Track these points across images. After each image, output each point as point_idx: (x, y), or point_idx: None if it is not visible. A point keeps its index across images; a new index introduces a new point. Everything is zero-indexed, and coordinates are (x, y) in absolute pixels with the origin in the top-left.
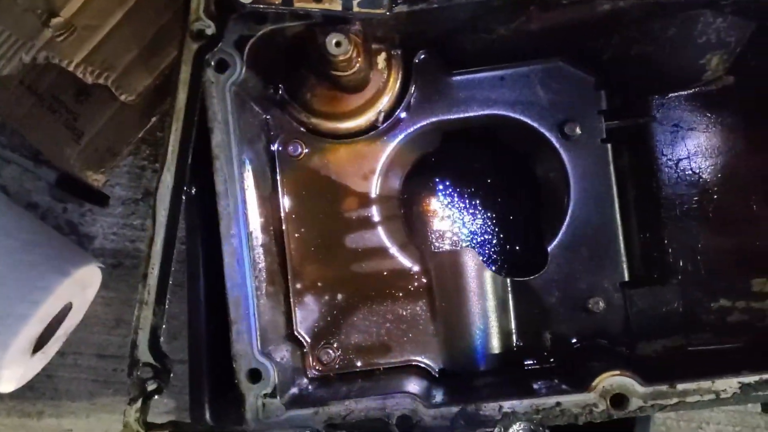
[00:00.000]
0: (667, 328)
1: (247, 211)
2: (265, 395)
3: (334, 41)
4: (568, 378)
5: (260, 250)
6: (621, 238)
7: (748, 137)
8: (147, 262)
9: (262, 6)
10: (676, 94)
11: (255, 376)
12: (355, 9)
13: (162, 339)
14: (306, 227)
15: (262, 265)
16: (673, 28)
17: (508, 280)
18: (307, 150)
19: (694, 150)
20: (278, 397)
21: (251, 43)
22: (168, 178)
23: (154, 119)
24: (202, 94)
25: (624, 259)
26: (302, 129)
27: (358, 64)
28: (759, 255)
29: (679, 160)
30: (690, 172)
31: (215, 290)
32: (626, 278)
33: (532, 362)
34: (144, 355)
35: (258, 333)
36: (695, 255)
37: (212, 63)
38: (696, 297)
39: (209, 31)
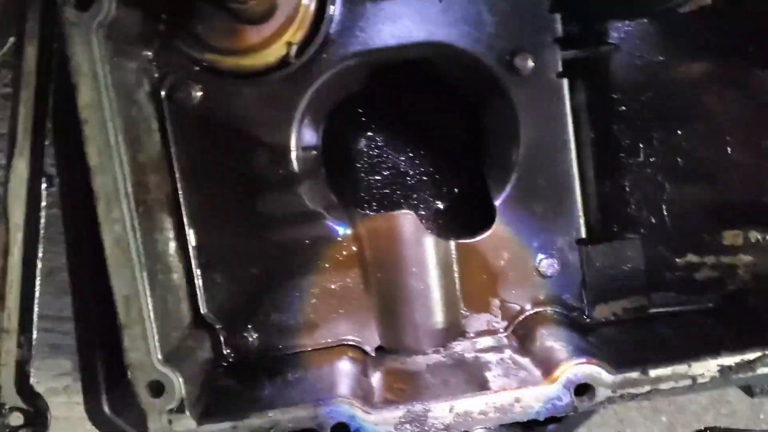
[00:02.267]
0: (627, 287)
1: (131, 186)
2: (171, 410)
3: None
4: (522, 352)
5: (152, 231)
6: (577, 188)
7: (726, 70)
8: (3, 279)
9: None
10: (642, 17)
11: (157, 389)
12: None
13: (32, 375)
14: (208, 190)
15: (155, 250)
16: None
17: (452, 243)
18: (203, 93)
19: (661, 85)
20: (187, 411)
21: None
22: (21, 167)
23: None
24: (61, 40)
25: (580, 212)
26: (195, 67)
27: None
28: (732, 205)
29: (645, 96)
30: (656, 111)
31: (105, 277)
32: (583, 234)
33: (480, 334)
34: (11, 398)
35: (157, 337)
36: (660, 206)
37: None
38: (661, 253)
39: None
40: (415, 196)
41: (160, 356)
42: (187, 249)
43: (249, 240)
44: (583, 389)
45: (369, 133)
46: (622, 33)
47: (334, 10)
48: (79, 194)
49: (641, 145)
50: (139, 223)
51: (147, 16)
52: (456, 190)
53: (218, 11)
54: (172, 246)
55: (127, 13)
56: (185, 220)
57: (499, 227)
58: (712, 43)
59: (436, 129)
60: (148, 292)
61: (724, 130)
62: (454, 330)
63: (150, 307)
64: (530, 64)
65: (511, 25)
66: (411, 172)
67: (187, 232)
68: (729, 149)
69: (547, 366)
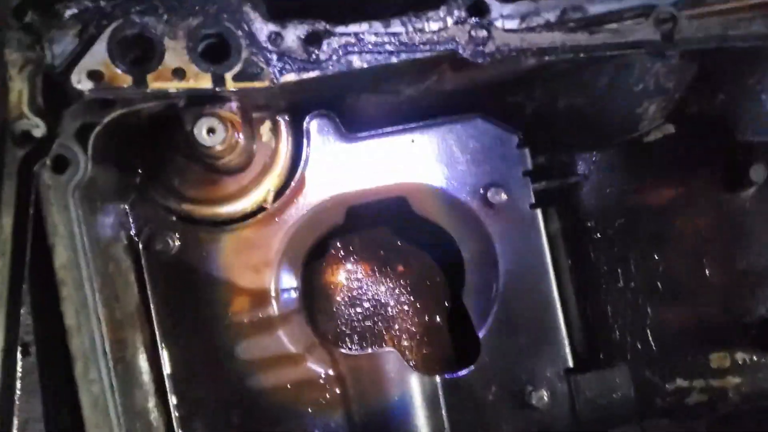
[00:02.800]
0: (619, 416)
1: (109, 345)
2: None
3: (205, 129)
4: None
5: (130, 385)
6: (560, 316)
7: (692, 193)
8: None
9: (106, 92)
10: (609, 148)
11: None
12: (230, 85)
13: None
14: (188, 338)
15: (135, 407)
16: (606, 77)
17: (437, 379)
18: (180, 242)
19: (633, 210)
20: None
21: (97, 133)
22: None
23: None
24: (38, 202)
25: (566, 341)
26: (172, 217)
27: (239, 146)
28: (716, 326)
29: (618, 222)
30: (630, 236)
31: None
32: (570, 364)
33: None
34: None
35: None
36: (644, 330)
37: (47, 162)
38: (649, 378)
39: (38, 132)
40: (396, 326)
41: None
42: (168, 403)
43: (230, 388)
44: None
45: (347, 266)
46: (590, 163)
47: (309, 157)
48: (55, 359)
49: (619, 271)
50: (118, 382)
51: (122, 171)
52: (438, 319)
53: (194, 163)
54: (152, 402)
55: (102, 172)
56: (165, 372)
57: (484, 360)
58: (679, 167)
59: (415, 259)
60: None
61: (699, 251)
62: None
63: None
64: (503, 197)
65: (482, 162)
66: (392, 303)
67: (167, 386)
68: (706, 270)
69: None
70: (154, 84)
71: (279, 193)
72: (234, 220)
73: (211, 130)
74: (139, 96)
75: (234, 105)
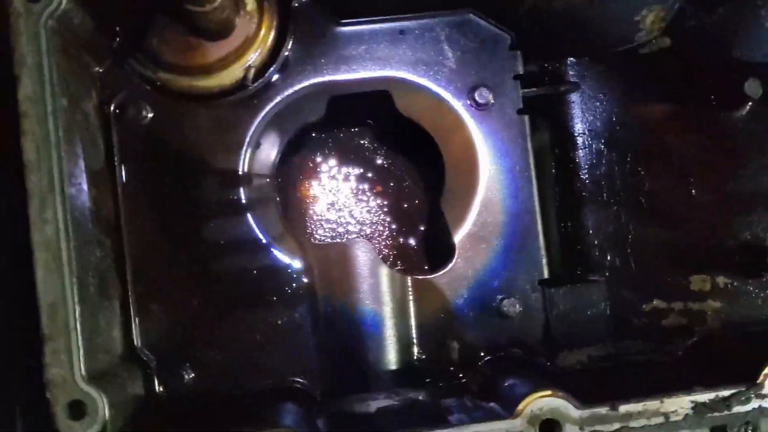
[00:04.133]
0: (592, 334)
1: (69, 189)
2: None
3: None
4: (483, 397)
5: (87, 240)
6: (540, 227)
7: (686, 111)
8: None
9: None
10: (603, 58)
11: (77, 410)
12: None
13: None
14: (152, 213)
15: (89, 261)
16: None
17: (408, 279)
18: (153, 113)
19: (622, 124)
20: None
21: None
22: None
23: None
24: (7, 30)
25: (543, 252)
26: (148, 86)
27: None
28: (698, 248)
29: (606, 135)
30: (618, 150)
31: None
32: (546, 275)
33: (436, 379)
34: None
35: (82, 352)
36: (624, 248)
37: None
38: (626, 297)
39: None
40: (370, 228)
41: (84, 373)
42: (125, 273)
43: (191, 269)
44: (548, 426)
45: (324, 163)
46: (583, 73)
47: (294, 38)
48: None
49: (604, 185)
50: (74, 230)
51: (100, 24)
52: (417, 227)
53: (175, 23)
54: (108, 263)
55: (79, 13)
56: (125, 240)
57: (458, 264)
58: (673, 83)
59: (392, 160)
60: (77, 301)
61: (686, 171)
62: (408, 373)
63: (78, 318)
64: (490, 99)
65: (472, 62)
66: (366, 202)
67: (125, 254)
68: (693, 190)
69: (511, 401)
70: None
71: (259, 73)
72: (211, 96)
73: None
74: None
75: None
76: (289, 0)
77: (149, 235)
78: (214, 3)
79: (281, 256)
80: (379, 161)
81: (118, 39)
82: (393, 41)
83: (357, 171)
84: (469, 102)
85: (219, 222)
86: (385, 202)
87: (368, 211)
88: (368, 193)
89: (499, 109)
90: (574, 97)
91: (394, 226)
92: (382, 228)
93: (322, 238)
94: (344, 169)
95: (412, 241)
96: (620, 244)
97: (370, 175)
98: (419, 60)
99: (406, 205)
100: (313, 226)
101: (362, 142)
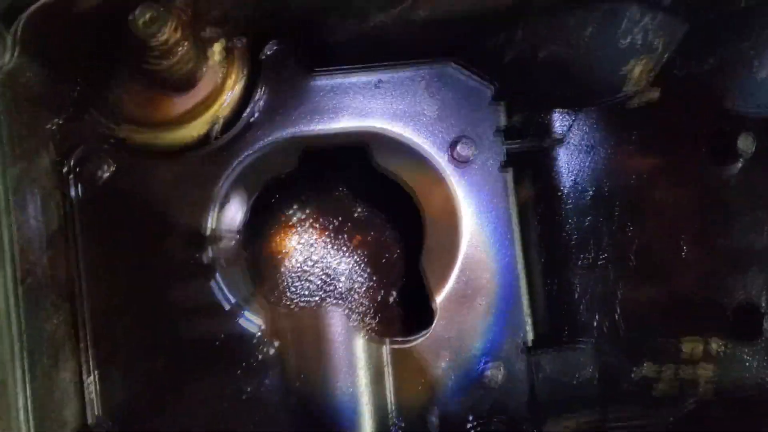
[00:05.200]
0: (580, 399)
1: (18, 252)
2: None
3: (146, 16)
4: None
5: (41, 307)
6: (524, 287)
7: (674, 164)
8: None
9: None
10: (588, 110)
11: None
12: None
13: None
14: (112, 274)
15: (43, 330)
16: (592, 26)
17: (386, 346)
18: (114, 169)
19: (608, 179)
20: None
21: (28, 16)
22: None
23: None
24: None
25: (528, 314)
26: (108, 141)
27: (182, 51)
28: (690, 309)
29: (592, 191)
30: (604, 206)
31: None
32: (531, 338)
33: None
34: None
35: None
36: (613, 309)
37: None
38: (614, 362)
39: None
40: (344, 290)
41: None
42: (84, 339)
43: (154, 334)
44: None
45: (297, 219)
46: (568, 126)
47: (264, 90)
48: None
49: (591, 242)
50: (25, 296)
51: (56, 77)
52: (397, 282)
53: (137, 75)
54: (66, 330)
55: (32, 68)
56: (84, 305)
57: (439, 327)
58: (663, 137)
59: (368, 216)
60: (27, 378)
61: (677, 227)
62: None
63: (28, 396)
64: (472, 153)
65: (452, 114)
66: (340, 262)
67: (85, 320)
68: (684, 248)
69: None
70: None
71: (227, 126)
72: (175, 150)
73: (151, 19)
74: None
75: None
76: (258, 50)
77: (110, 299)
78: (173, 59)
79: (248, 322)
80: (357, 211)
81: (76, 91)
82: (369, 93)
83: (333, 222)
84: (449, 156)
85: (183, 285)
86: (363, 255)
87: (345, 265)
88: (345, 246)
89: (481, 164)
90: (560, 150)
91: (372, 280)
92: (359, 282)
93: (295, 296)
94: (319, 221)
95: (390, 298)
96: (608, 305)
97: (347, 226)
98: (397, 112)
99: (385, 258)
100: (286, 282)
101: (339, 191)
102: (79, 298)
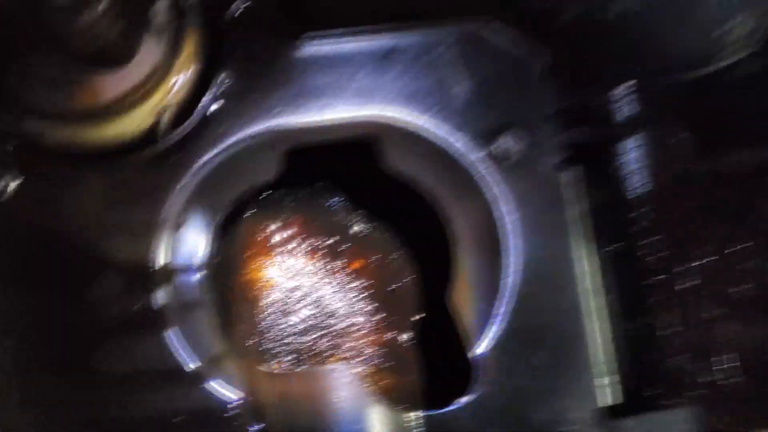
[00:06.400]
0: None
1: None
2: None
3: None
4: None
5: None
6: (597, 331)
7: None
8: None
9: None
10: (670, 87)
11: None
12: None
13: None
14: (21, 334)
15: None
16: None
17: (411, 416)
18: (19, 182)
19: (698, 178)
20: None
21: None
22: None
23: None
24: None
25: (604, 367)
26: (11, 143)
27: (103, 5)
28: None
29: (675, 197)
30: (693, 218)
31: None
32: (606, 401)
33: None
34: None
35: None
36: (710, 357)
37: None
38: (718, 429)
39: None
40: (348, 340)
41: None
42: None
43: (84, 410)
44: None
45: (282, 235)
46: (641, 109)
47: (230, 66)
48: None
49: (677, 269)
50: None
51: None
52: (410, 319)
53: (47, 49)
54: None
55: None
56: None
57: (481, 391)
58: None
59: (378, 228)
60: None
61: None
62: None
63: None
64: (518, 148)
65: (491, 95)
66: (342, 302)
67: None
68: None
69: None
70: None
71: (179, 118)
72: (105, 153)
73: None
74: None
75: None
76: (221, 8)
77: (21, 361)
78: (90, 15)
79: (219, 390)
80: (355, 228)
81: None
82: (376, 66)
83: (325, 242)
84: (488, 152)
85: (126, 341)
86: (365, 285)
87: (341, 300)
88: (341, 273)
89: (531, 162)
90: (631, 142)
91: (377, 319)
92: (361, 322)
93: (278, 345)
94: (307, 242)
95: (404, 343)
96: (705, 353)
97: (343, 247)
98: (415, 94)
99: (393, 287)
100: (268, 339)
101: (334, 203)
102: None
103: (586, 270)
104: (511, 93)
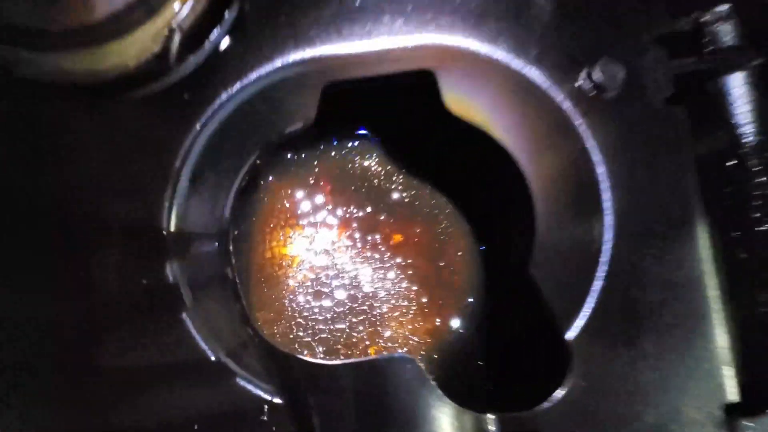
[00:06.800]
0: None
1: None
2: None
3: None
4: None
5: None
6: (720, 311)
7: None
8: None
9: None
10: None
11: None
12: None
13: None
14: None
15: None
16: None
17: (488, 416)
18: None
19: None
20: None
21: None
22: None
23: None
24: None
25: (726, 355)
26: None
27: None
28: None
29: None
30: None
31: None
32: (734, 396)
33: None
34: None
35: None
36: None
37: None
38: None
39: None
40: (388, 310)
41: None
42: None
43: (91, 397)
44: None
45: (312, 203)
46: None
47: None
48: None
49: None
50: None
51: None
52: (465, 300)
53: None
54: None
55: None
56: None
57: (576, 386)
58: None
59: (424, 194)
60: None
61: None
62: None
63: None
64: (617, 79)
65: (581, 18)
66: (394, 278)
67: None
68: None
69: None
70: None
71: (191, 43)
72: (101, 88)
73: None
74: None
75: None
76: None
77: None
78: None
79: (246, 385)
80: (395, 195)
81: None
82: None
83: (361, 211)
84: (579, 85)
85: (139, 324)
86: (409, 261)
87: (381, 278)
88: (381, 247)
89: (635, 97)
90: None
91: (424, 302)
92: (405, 307)
93: (309, 332)
94: (341, 210)
95: (461, 329)
96: None
97: (382, 217)
98: (486, 15)
99: (442, 264)
100: (293, 311)
101: (369, 163)
102: None
103: (705, 230)
104: (607, 11)
